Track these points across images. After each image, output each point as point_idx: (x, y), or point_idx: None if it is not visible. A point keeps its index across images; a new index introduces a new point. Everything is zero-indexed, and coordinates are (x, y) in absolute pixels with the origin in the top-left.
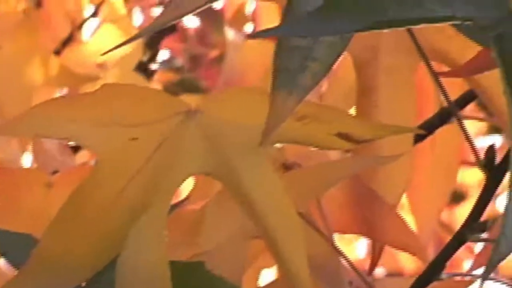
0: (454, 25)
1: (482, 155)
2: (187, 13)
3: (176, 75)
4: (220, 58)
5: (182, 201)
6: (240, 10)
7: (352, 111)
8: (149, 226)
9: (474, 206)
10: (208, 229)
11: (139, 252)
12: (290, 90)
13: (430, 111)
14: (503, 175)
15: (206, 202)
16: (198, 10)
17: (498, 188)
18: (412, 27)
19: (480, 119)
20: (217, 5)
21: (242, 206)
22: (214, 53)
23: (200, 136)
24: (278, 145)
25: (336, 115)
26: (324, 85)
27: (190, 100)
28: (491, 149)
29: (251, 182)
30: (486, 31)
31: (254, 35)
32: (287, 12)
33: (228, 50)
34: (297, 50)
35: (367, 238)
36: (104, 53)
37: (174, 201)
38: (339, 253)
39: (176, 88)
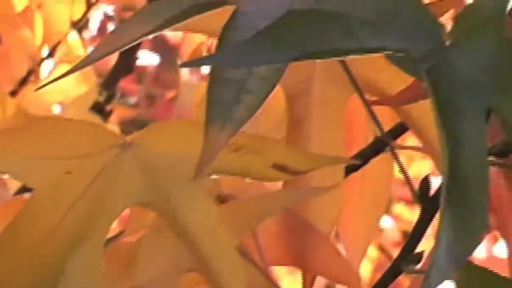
0: (386, 56)
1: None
2: (119, 48)
3: (132, 114)
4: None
5: (119, 234)
6: (197, 50)
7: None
8: (86, 258)
9: (409, 237)
10: (143, 261)
11: (76, 285)
12: (224, 123)
13: (360, 142)
14: (438, 206)
15: (142, 235)
16: (130, 45)
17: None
18: (344, 57)
19: (413, 149)
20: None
21: (179, 238)
22: (170, 93)
23: (136, 168)
24: (214, 176)
25: (272, 146)
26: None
27: None
28: (425, 181)
29: (188, 213)
30: (418, 62)
31: (186, 64)
32: (221, 43)
33: (182, 90)
34: (231, 82)
35: (301, 270)
36: (41, 87)
37: (111, 233)
38: (276, 286)
39: (132, 127)
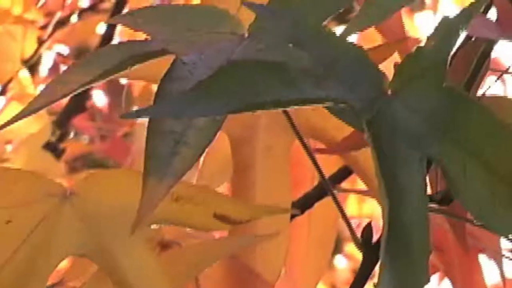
0: (326, 107)
1: None
2: (59, 99)
3: (85, 151)
4: (128, 136)
5: (58, 282)
6: (147, 87)
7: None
8: None
9: (351, 283)
10: None
11: None
12: (162, 175)
13: (308, 183)
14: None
15: (82, 284)
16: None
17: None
18: (285, 108)
19: (356, 192)
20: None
21: (118, 287)
22: (122, 131)
23: (76, 217)
24: (154, 226)
25: (212, 196)
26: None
27: None
28: (368, 228)
29: (127, 263)
30: (359, 113)
31: (125, 116)
32: (159, 94)
33: (136, 128)
34: (169, 135)
35: None
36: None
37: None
38: None
39: (85, 165)
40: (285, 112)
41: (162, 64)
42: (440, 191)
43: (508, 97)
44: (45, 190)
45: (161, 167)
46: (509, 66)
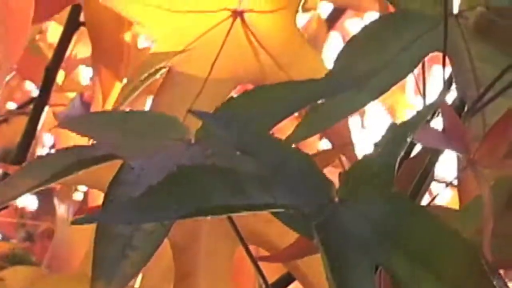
0: (273, 213)
1: None
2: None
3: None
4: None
5: None
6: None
7: None
8: None
9: None
10: None
11: None
12: (109, 279)
13: None
14: None
15: None
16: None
17: None
18: (233, 214)
19: None
20: None
21: None
22: (46, 227)
23: None
24: None
25: None
26: None
27: (21, 274)
28: None
29: None
30: (308, 219)
31: (75, 222)
32: (108, 199)
33: (57, 224)
34: (117, 239)
35: None
36: None
37: None
38: None
39: (7, 261)
40: (229, 218)
41: (109, 170)
42: None
43: (452, 207)
44: None
45: (109, 271)
46: (454, 178)
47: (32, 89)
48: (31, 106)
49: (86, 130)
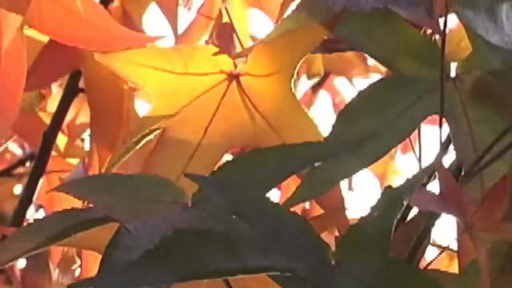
0: (270, 276)
1: None
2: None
3: None
4: None
5: None
6: (67, 253)
7: None
8: None
9: None
10: None
11: None
12: None
13: None
14: None
15: None
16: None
17: None
18: (230, 277)
19: None
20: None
21: None
22: None
23: None
24: None
25: None
26: None
27: None
28: None
29: None
30: (304, 281)
31: (72, 286)
32: (105, 262)
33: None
34: None
35: None
36: None
37: None
38: None
39: None
40: (225, 281)
41: (106, 233)
42: None
43: (450, 272)
44: None
45: None
46: (450, 243)
47: (20, 152)
48: (18, 169)
49: (82, 193)
